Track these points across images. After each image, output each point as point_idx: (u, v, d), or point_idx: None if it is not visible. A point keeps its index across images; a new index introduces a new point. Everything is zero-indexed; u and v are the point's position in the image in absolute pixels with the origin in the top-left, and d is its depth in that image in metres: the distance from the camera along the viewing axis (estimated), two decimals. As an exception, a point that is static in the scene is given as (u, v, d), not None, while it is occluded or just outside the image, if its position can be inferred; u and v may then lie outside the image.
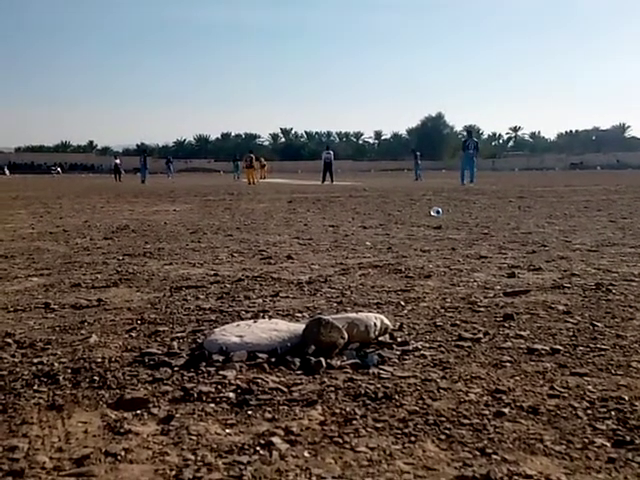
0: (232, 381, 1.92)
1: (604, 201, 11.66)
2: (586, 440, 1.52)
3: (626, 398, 1.77)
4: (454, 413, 1.68)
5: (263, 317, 2.73)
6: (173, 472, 1.40)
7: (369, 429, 1.59)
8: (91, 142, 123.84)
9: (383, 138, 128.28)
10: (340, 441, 1.53)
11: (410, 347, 2.27)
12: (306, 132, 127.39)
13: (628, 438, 1.53)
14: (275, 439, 1.53)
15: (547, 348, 2.25)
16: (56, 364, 2.12)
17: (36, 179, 45.80)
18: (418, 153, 33.29)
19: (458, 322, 2.65)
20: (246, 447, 1.50)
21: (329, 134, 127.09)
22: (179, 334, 2.49)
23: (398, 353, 2.20)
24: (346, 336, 2.20)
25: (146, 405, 1.75)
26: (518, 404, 1.74)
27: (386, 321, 2.39)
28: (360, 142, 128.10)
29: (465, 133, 23.06)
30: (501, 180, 30.24)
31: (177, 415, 1.69)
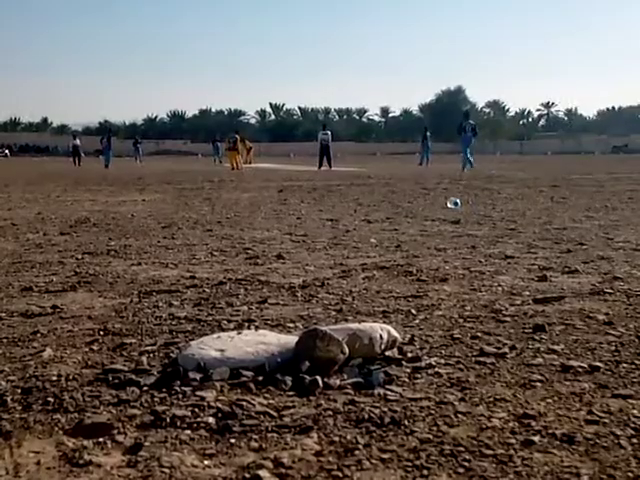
0: (212, 403, 1.92)
1: (652, 191, 11.69)
2: (630, 474, 1.53)
3: (677, 424, 1.78)
4: (474, 442, 1.68)
5: (249, 328, 2.73)
6: (141, 511, 1.40)
7: (374, 461, 1.59)
8: (45, 119, 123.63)
9: (391, 116, 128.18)
10: (339, 475, 1.53)
11: (422, 363, 2.27)
12: (300, 108, 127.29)
13: (680, 472, 1.53)
14: (262, 472, 1.53)
15: (585, 365, 2.25)
16: (3, 383, 2.12)
17: (-20, 163, 45.77)
18: (428, 133, 33.17)
19: (479, 334, 2.66)
20: (228, 482, 1.50)
21: (327, 111, 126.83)
22: (149, 347, 2.49)
23: (408, 371, 2.20)
24: (347, 350, 2.20)
25: (110, 431, 1.75)
26: (550, 431, 1.74)
27: (394, 333, 2.39)
28: (364, 120, 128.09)
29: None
30: (530, 166, 30.30)
31: (146, 444, 1.69)
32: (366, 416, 1.83)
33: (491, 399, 1.96)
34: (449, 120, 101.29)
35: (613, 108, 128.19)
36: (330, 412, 1.87)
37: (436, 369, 2.23)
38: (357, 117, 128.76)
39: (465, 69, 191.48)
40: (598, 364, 2.26)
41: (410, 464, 1.58)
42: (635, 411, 1.87)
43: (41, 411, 1.90)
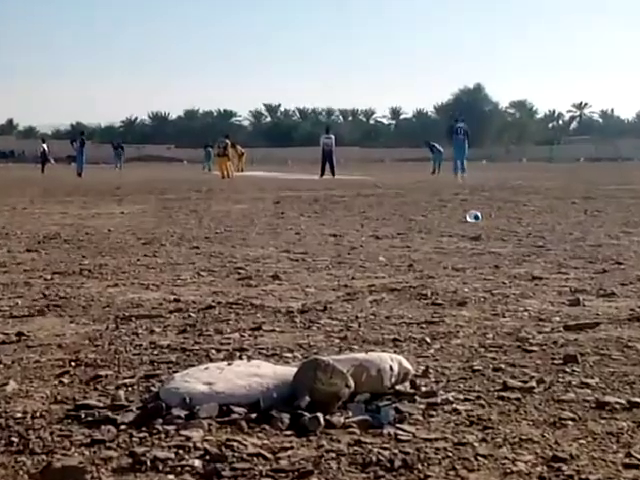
0: (198, 444, 1.92)
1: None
2: (675, 526, 1.52)
3: None
4: (497, 489, 1.68)
5: (240, 358, 2.73)
6: None
7: (383, 510, 1.59)
8: (10, 121, 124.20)
9: (402, 117, 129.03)
10: (343, 526, 1.53)
11: (438, 399, 2.27)
12: (299, 109, 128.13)
13: None
14: (256, 523, 1.53)
15: (622, 401, 2.25)
16: (-39, 420, 2.12)
17: (-64, 170, 45.87)
18: (436, 145, 34.43)
19: (503, 366, 2.66)
20: (217, 534, 1.50)
21: (330, 112, 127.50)
22: (127, 380, 2.49)
23: (422, 407, 2.20)
24: (352, 384, 2.20)
25: (82, 476, 1.75)
26: (583, 476, 1.74)
27: (406, 364, 2.39)
28: (371, 122, 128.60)
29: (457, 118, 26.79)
30: (561, 174, 30.34)
31: (124, 490, 1.69)
32: (374, 459, 1.83)
33: (516, 440, 1.96)
34: (469, 122, 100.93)
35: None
36: (333, 454, 1.87)
37: (454, 405, 2.22)
38: (364, 119, 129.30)
39: (486, 65, 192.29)
40: (637, 400, 2.26)
41: (424, 514, 1.57)
42: (680, 454, 1.87)
43: (4, 452, 1.90)
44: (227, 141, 31.63)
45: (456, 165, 23.94)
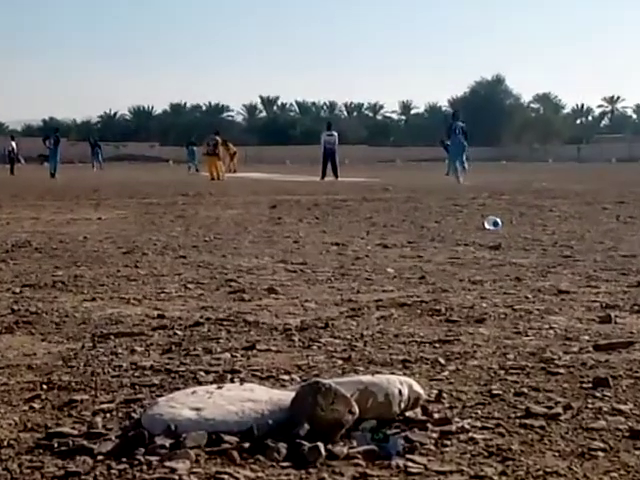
0: (185, 477, 1.92)
1: None
2: None
3: None
4: (519, 527, 1.68)
5: (232, 381, 2.73)
6: None
7: None
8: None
9: (413, 112, 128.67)
10: None
11: (453, 427, 2.27)
12: (298, 103, 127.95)
13: None
14: None
15: (659, 430, 2.25)
16: None
17: None
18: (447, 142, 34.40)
19: (525, 390, 2.66)
20: None
21: (332, 106, 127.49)
22: (105, 406, 2.49)
23: (435, 436, 2.20)
24: (356, 410, 2.20)
25: (54, 513, 1.75)
26: (615, 514, 1.74)
27: (417, 387, 2.39)
28: (379, 118, 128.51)
29: (452, 115, 27.41)
30: (590, 176, 30.36)
31: (101, 528, 1.69)
32: (381, 494, 1.83)
33: (540, 473, 1.96)
34: (487, 118, 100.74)
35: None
36: (335, 488, 1.87)
37: (470, 434, 2.22)
38: (371, 114, 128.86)
39: (506, 54, 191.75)
40: (676, 428, 2.26)
41: None
42: None
43: (-33, 486, 1.90)
44: (217, 138, 31.59)
45: (455, 167, 24.46)
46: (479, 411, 2.43)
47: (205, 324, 3.76)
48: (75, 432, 2.23)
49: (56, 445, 2.13)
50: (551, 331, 3.58)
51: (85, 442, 2.14)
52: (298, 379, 2.79)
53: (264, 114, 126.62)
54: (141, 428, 2.19)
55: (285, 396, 2.30)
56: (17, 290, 4.79)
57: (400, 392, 2.32)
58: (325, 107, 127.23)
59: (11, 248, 7.03)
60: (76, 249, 6.96)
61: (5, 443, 2.16)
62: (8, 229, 8.99)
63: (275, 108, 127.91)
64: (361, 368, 2.95)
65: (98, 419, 2.35)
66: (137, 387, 2.71)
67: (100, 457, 2.05)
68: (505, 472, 1.97)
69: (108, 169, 44.89)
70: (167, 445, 2.08)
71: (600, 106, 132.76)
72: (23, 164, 38.31)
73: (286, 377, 2.83)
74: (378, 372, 2.74)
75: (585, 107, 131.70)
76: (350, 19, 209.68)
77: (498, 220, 8.98)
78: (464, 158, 24.44)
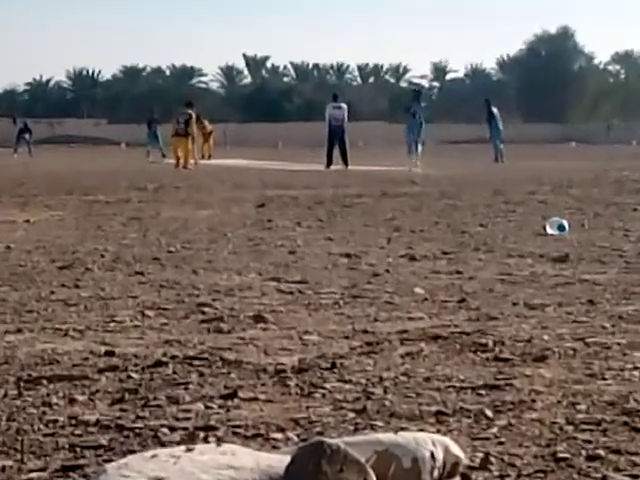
0: None
1: None
2: None
3: None
4: None
5: (206, 441, 2.27)
6: None
7: None
8: None
9: (450, 78, 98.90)
10: None
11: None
12: (295, 65, 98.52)
13: None
14: None
15: None
16: None
17: None
18: (494, 109, 28.03)
19: (602, 452, 2.20)
20: None
21: (341, 69, 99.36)
22: (34, 475, 2.09)
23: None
24: (374, 479, 1.82)
25: None
26: None
27: (455, 449, 1.99)
28: (404, 85, 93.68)
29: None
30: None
31: None
32: None
33: None
34: (550, 85, 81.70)
35: None
36: None
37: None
38: (392, 80, 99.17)
39: (573, 2, 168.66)
40: None
41: None
42: None
43: None
44: (191, 112, 25.30)
45: (410, 148, 23.45)
46: (539, 481, 2.20)
47: (169, 364, 3.15)
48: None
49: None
50: (636, 372, 3.00)
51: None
52: (295, 438, 2.34)
53: (249, 80, 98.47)
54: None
55: (277, 461, 1.84)
56: None
57: (432, 456, 1.91)
58: (331, 70, 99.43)
59: None
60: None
61: None
62: None
63: (264, 72, 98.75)
64: (380, 423, 2.47)
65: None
66: (78, 449, 2.27)
67: None
68: None
69: (38, 155, 37.53)
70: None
71: None
72: None
73: (279, 435, 2.37)
74: (403, 429, 2.31)
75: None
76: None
77: (564, 223, 7.62)
78: (420, 142, 23.25)
